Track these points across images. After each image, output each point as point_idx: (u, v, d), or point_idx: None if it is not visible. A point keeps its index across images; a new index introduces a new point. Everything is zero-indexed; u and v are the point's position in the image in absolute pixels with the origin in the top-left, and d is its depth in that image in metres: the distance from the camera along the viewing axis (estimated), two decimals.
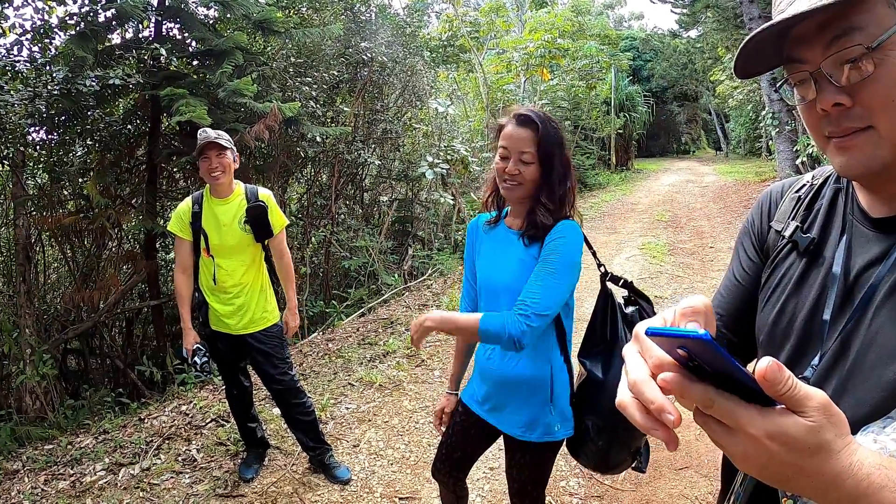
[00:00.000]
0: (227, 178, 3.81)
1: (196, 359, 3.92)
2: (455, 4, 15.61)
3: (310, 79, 8.22)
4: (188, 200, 3.95)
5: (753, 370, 0.68)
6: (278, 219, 3.96)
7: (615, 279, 2.41)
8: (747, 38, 1.00)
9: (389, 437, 4.78)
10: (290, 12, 8.49)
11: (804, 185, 1.29)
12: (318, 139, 7.80)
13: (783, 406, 0.68)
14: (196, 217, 3.87)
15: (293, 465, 4.40)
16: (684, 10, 23.44)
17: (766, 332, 1.21)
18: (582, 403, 2.36)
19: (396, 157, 11.43)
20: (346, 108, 9.31)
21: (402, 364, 6.22)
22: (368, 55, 9.32)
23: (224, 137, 3.80)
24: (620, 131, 25.93)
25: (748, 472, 0.74)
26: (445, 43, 14.99)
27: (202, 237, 3.87)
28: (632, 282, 2.41)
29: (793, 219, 1.24)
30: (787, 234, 1.23)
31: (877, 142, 0.94)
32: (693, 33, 28.35)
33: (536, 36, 16.02)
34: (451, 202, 11.07)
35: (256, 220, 3.85)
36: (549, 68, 17.08)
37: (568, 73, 20.52)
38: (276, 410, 4.84)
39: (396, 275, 9.80)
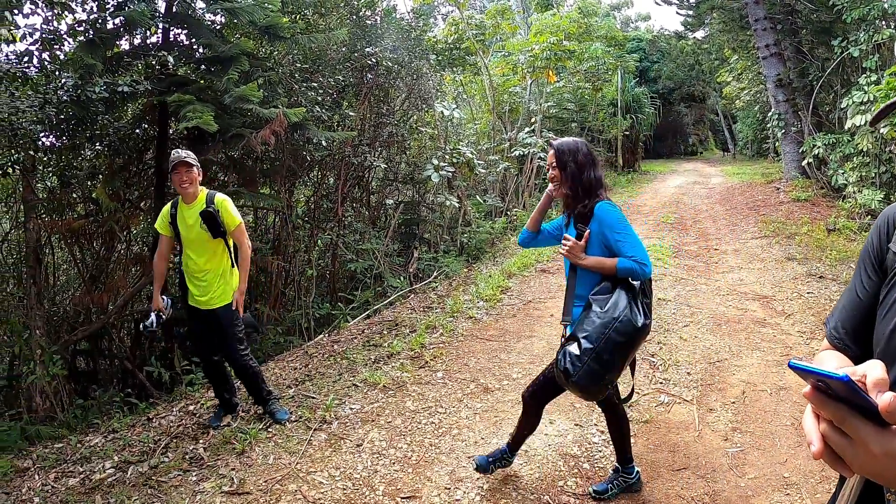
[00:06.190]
0: (193, 189, 4.73)
1: (152, 317, 4.98)
2: (460, 7, 15.67)
3: (315, 84, 8.30)
4: (168, 205, 4.91)
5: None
6: (231, 219, 4.81)
7: None
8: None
9: (392, 437, 4.85)
10: (295, 18, 8.56)
11: None
12: (325, 143, 7.87)
13: None
14: (173, 218, 4.84)
15: (297, 463, 4.48)
16: (689, 12, 23.41)
17: (882, 346, 1.30)
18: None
19: (402, 160, 11.50)
20: (352, 113, 9.38)
21: (406, 365, 6.29)
22: (374, 59, 9.39)
23: (191, 156, 4.73)
24: (627, 133, 25.78)
25: (866, 476, 0.90)
26: (451, 46, 15.06)
27: (177, 233, 4.86)
28: None
29: None
30: None
31: None
32: (699, 34, 28.29)
33: (542, 38, 16.03)
34: (457, 205, 11.16)
35: (208, 222, 4.72)
36: (555, 70, 17.06)
37: (574, 74, 20.52)
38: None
39: (402, 277, 9.86)
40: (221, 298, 4.91)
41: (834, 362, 1.37)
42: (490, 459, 4.09)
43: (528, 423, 3.98)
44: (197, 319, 5.03)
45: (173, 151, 4.81)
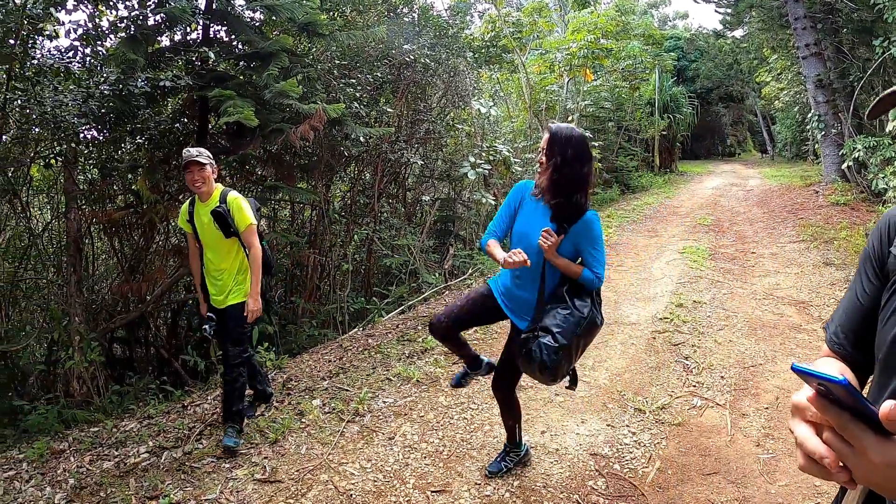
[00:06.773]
0: (206, 187, 4.63)
1: (206, 326, 4.87)
2: (497, 5, 15.64)
3: (354, 80, 8.35)
4: (187, 203, 4.88)
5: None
6: (242, 219, 4.70)
7: None
8: (888, 91, 1.12)
9: (424, 431, 4.89)
10: (334, 15, 8.63)
11: None
12: (362, 139, 7.91)
13: None
14: (190, 216, 4.79)
15: (329, 454, 4.53)
16: (728, 10, 23.11)
17: (884, 351, 1.28)
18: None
19: (439, 156, 11.52)
20: (389, 109, 9.42)
21: (440, 361, 6.32)
22: (411, 56, 9.42)
23: (204, 154, 4.61)
24: (664, 133, 25.58)
25: (867, 486, 0.91)
26: (488, 43, 15.02)
27: (196, 232, 4.81)
28: None
29: None
30: None
31: None
32: (738, 33, 27.89)
33: (579, 36, 15.97)
34: (493, 202, 11.13)
35: (218, 220, 4.65)
36: (592, 69, 16.99)
37: (611, 73, 20.39)
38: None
39: (437, 273, 9.88)
40: (234, 297, 4.82)
41: (831, 368, 1.37)
42: (497, 459, 4.30)
43: (508, 413, 4.13)
44: (217, 319, 4.96)
45: (185, 150, 4.68)
